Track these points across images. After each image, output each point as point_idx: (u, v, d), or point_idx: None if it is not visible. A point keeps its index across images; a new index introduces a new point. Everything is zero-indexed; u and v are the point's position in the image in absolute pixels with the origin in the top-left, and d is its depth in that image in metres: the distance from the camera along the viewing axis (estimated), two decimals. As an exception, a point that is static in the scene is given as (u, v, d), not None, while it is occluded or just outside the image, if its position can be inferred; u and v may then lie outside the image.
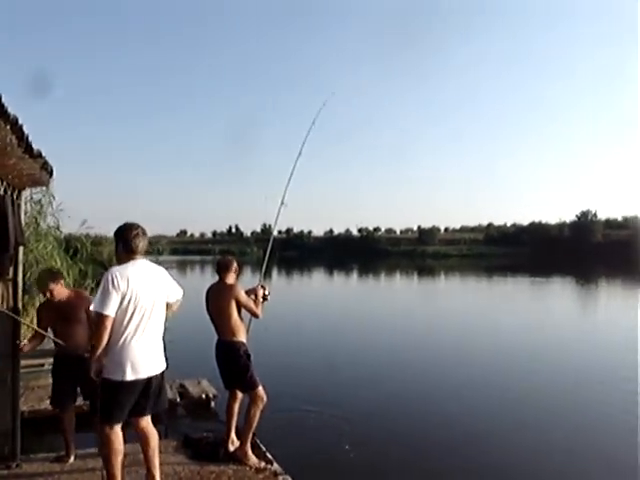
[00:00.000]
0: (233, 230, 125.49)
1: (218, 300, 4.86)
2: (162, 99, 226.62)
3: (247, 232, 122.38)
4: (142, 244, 3.89)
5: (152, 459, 4.09)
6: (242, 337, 4.88)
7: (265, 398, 4.84)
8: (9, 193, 4.64)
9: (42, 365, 8.02)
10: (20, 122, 3.26)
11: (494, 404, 8.40)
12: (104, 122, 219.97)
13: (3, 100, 2.74)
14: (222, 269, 4.96)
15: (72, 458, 4.87)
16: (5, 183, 4.50)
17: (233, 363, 4.82)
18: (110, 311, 3.62)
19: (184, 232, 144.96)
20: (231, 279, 4.96)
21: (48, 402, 6.89)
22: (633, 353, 10.04)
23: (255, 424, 4.82)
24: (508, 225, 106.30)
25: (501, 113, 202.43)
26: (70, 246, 16.04)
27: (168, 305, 4.03)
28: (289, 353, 11.91)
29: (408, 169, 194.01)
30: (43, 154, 4.24)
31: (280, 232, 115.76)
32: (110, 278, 3.68)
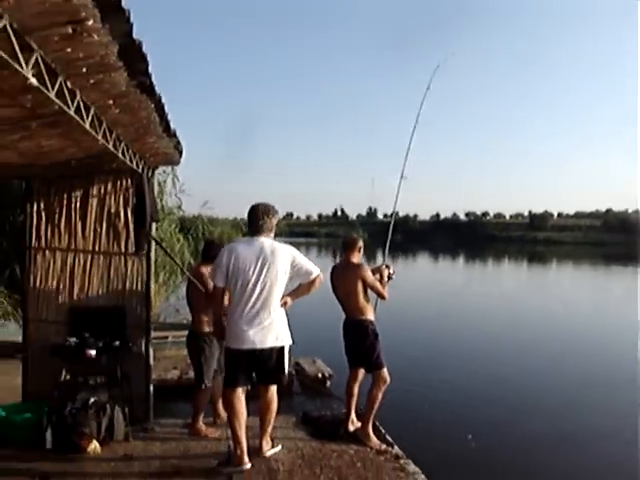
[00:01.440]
0: (339, 213, 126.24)
1: (345, 279, 4.81)
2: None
3: (352, 215, 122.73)
4: (260, 223, 4.02)
5: (262, 425, 4.26)
6: (370, 315, 4.81)
7: (388, 380, 4.75)
8: (145, 172, 4.86)
9: (166, 338, 8.48)
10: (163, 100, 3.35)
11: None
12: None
13: (153, 78, 2.78)
14: (347, 247, 4.90)
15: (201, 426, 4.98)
16: (142, 161, 4.71)
17: (360, 341, 4.76)
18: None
19: (290, 215, 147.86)
20: (356, 258, 4.88)
21: (173, 372, 7.33)
22: None
23: (377, 405, 4.75)
24: (630, 211, 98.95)
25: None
26: (185, 226, 16.69)
27: (301, 285, 4.13)
28: (409, 336, 11.71)
29: (518, 153, 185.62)
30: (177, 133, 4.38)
31: (385, 216, 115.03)
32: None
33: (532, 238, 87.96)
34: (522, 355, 10.74)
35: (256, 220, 4.06)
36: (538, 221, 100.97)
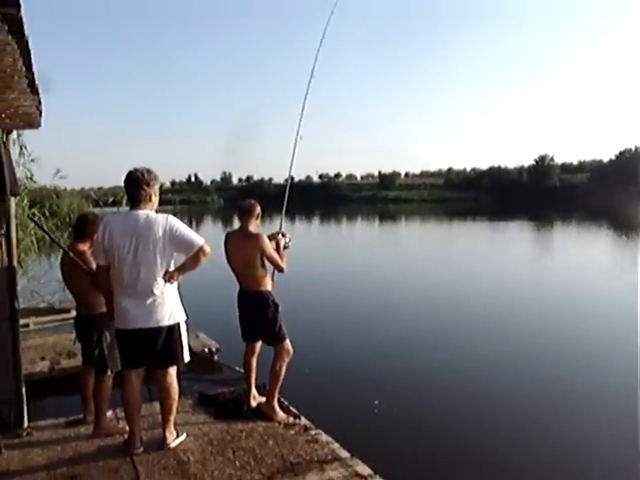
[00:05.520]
0: (192, 179, 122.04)
1: (242, 249, 4.47)
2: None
3: (207, 181, 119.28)
4: (136, 193, 3.75)
5: (163, 414, 4.02)
6: (269, 286, 4.56)
7: (291, 352, 4.57)
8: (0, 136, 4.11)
9: (27, 325, 7.57)
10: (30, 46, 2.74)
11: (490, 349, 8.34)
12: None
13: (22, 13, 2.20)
14: (244, 214, 4.54)
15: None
16: (-4, 122, 3.95)
17: (261, 314, 4.49)
18: (98, 259, 3.82)
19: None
20: (254, 226, 4.56)
21: (42, 363, 6.52)
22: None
23: (282, 378, 4.56)
24: (468, 170, 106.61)
25: (466, 62, 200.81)
26: (35, 201, 15.03)
27: (188, 259, 3.73)
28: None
29: (369, 115, 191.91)
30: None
31: (240, 180, 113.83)
32: (98, 229, 3.83)
33: (383, 197, 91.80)
34: (391, 309, 11.05)
35: (132, 190, 3.75)
36: (387, 181, 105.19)
